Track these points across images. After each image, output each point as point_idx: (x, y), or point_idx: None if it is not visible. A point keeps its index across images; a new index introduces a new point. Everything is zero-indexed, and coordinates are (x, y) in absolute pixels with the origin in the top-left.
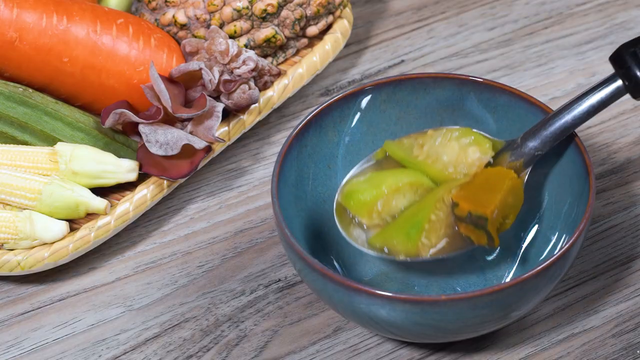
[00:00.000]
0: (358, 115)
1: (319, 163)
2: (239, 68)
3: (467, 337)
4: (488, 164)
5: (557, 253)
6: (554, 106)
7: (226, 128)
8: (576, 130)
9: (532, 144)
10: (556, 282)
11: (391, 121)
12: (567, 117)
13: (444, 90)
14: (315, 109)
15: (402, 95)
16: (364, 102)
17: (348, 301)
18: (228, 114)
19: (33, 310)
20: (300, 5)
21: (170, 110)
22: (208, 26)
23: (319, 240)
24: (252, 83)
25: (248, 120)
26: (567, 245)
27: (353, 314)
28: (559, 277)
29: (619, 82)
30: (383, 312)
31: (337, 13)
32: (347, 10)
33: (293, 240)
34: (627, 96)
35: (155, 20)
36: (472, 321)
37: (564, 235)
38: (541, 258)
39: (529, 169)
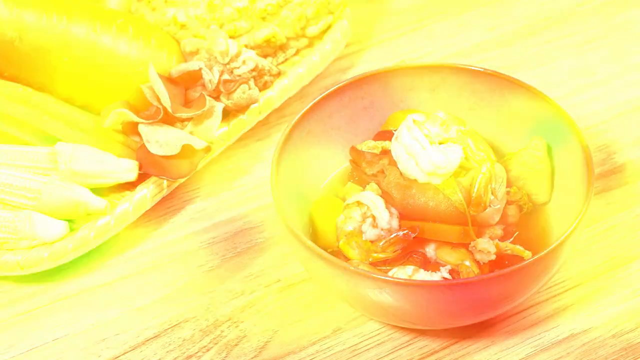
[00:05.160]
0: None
1: (319, 153)
2: (239, 68)
3: (468, 323)
4: None
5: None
6: None
7: (226, 128)
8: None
9: None
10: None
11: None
12: None
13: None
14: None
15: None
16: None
17: (354, 288)
18: (228, 114)
19: (33, 310)
20: (300, 5)
21: (170, 110)
22: (208, 26)
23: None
24: (252, 83)
25: (248, 120)
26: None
27: (360, 301)
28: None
29: None
30: (387, 296)
31: (337, 13)
32: (347, 10)
33: (297, 231)
34: (627, 96)
35: (155, 20)
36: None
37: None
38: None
39: None
